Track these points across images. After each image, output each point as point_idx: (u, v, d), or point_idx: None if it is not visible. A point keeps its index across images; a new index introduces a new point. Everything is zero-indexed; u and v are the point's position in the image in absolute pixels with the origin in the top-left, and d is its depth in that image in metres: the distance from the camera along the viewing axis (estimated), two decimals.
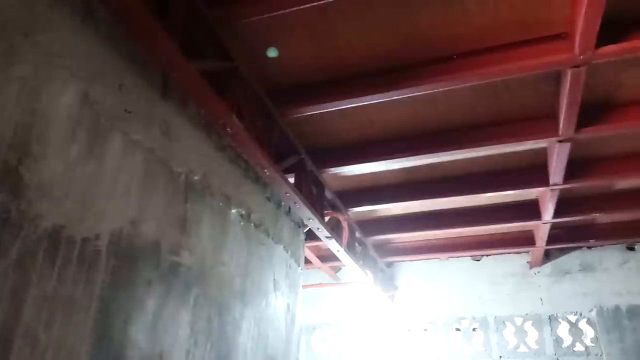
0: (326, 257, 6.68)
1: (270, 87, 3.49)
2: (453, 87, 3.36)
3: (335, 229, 4.97)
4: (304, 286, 7.15)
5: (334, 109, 3.51)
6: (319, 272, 7.47)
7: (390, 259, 6.84)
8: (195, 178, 2.81)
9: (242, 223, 3.32)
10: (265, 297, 3.56)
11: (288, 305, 3.98)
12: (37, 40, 1.90)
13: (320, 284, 7.27)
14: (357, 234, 5.68)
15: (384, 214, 5.75)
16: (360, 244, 5.89)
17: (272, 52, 2.67)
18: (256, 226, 3.54)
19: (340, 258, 5.02)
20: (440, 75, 3.21)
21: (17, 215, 1.72)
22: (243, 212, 3.35)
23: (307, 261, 6.72)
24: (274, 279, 3.76)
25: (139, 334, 2.23)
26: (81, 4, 2.12)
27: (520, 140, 3.85)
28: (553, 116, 3.78)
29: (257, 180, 3.60)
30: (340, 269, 7.61)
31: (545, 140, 3.85)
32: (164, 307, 2.43)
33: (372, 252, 6.22)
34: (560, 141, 3.79)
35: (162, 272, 2.44)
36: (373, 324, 7.12)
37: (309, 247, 6.12)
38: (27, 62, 1.85)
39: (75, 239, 1.95)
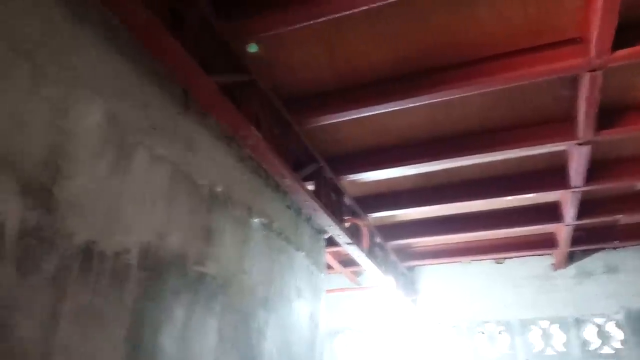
0: (347, 261, 6.72)
1: (286, 98, 3.56)
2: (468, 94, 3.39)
3: (355, 234, 5.01)
4: (327, 291, 7.24)
5: (349, 117, 3.56)
6: (341, 277, 7.52)
7: (411, 263, 6.86)
8: (218, 189, 2.90)
9: (263, 232, 3.40)
10: (288, 304, 3.63)
11: (311, 312, 4.04)
12: (62, 61, 1.98)
13: (342, 289, 7.32)
14: (377, 239, 5.72)
15: (403, 218, 5.78)
16: (380, 249, 5.92)
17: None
18: (277, 234, 3.61)
19: (361, 263, 5.06)
20: (455, 82, 3.24)
21: (52, 232, 1.81)
22: (264, 220, 3.42)
23: (329, 266, 6.78)
24: (297, 286, 3.83)
25: (169, 344, 2.31)
26: (103, 25, 2.21)
27: (539, 144, 3.85)
28: (571, 119, 3.77)
29: (277, 189, 3.67)
30: (361, 273, 7.64)
31: (564, 143, 3.84)
32: (192, 316, 2.51)
33: (392, 256, 6.25)
34: (579, 144, 3.78)
35: (189, 282, 2.53)
36: (395, 328, 7.13)
37: (329, 253, 6.18)
38: (54, 83, 1.93)
39: (107, 253, 2.04)
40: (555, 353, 6.17)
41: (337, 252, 6.51)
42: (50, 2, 1.96)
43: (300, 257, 3.97)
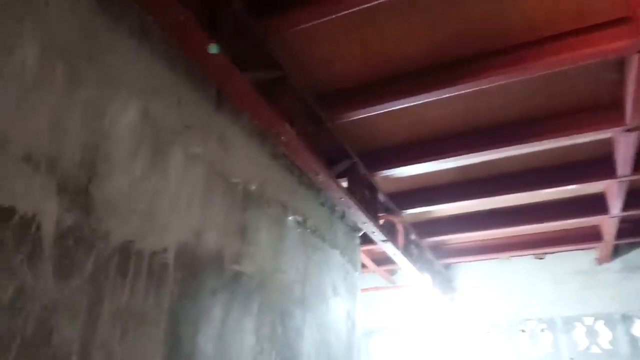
0: (381, 260, 6.62)
1: (318, 93, 3.49)
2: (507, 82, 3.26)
3: (390, 232, 4.91)
4: (361, 290, 7.14)
5: (384, 110, 3.47)
6: (375, 276, 7.41)
7: (447, 260, 6.70)
8: (252, 187, 2.85)
9: (298, 229, 3.34)
10: (325, 302, 3.56)
11: (348, 311, 3.97)
12: (98, 62, 1.97)
13: (376, 288, 7.21)
14: (413, 236, 5.59)
15: (439, 214, 5.64)
16: (416, 246, 5.79)
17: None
18: (312, 232, 3.55)
19: (397, 261, 4.95)
20: (494, 70, 3.11)
21: (89, 232, 1.79)
22: (299, 218, 3.36)
23: (362, 265, 6.68)
24: (333, 285, 3.76)
25: (207, 344, 2.27)
26: (138, 25, 2.20)
27: (583, 132, 3.67)
28: (616, 105, 3.57)
29: (311, 186, 3.61)
30: (396, 271, 7.52)
31: (610, 130, 3.65)
32: (229, 316, 2.47)
33: (428, 254, 6.11)
34: (627, 130, 3.58)
35: (226, 281, 2.48)
36: (433, 327, 6.99)
37: (363, 251, 6.08)
38: (90, 84, 1.92)
39: (144, 253, 2.01)
40: (601, 351, 5.92)
41: (370, 250, 6.41)
42: (86, 3, 1.94)
43: (335, 255, 3.90)
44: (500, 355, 6.38)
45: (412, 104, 3.40)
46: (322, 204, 3.79)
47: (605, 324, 6.00)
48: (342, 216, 4.16)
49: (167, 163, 2.25)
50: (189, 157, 2.39)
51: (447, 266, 7.07)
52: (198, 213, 2.38)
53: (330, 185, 3.47)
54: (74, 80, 1.86)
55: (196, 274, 2.29)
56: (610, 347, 5.88)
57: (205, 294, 2.32)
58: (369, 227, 4.17)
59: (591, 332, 6.03)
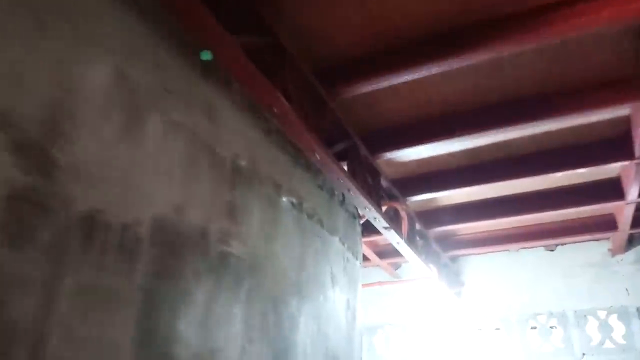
0: (384, 253, 6.39)
1: (318, 67, 3.26)
2: (519, 51, 3.02)
3: (393, 220, 4.67)
4: (364, 285, 6.90)
5: (387, 84, 3.23)
6: (379, 271, 7.17)
7: (454, 253, 6.44)
8: (242, 163, 2.62)
9: (294, 212, 3.11)
10: (322, 291, 3.33)
11: (348, 301, 3.73)
12: (68, 14, 1.76)
13: (380, 282, 6.98)
14: (418, 226, 5.35)
15: (446, 202, 5.39)
16: (421, 237, 5.54)
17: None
18: (309, 216, 3.32)
19: (400, 251, 4.71)
20: (506, 37, 2.87)
21: (48, 197, 1.57)
22: (294, 200, 3.13)
23: (365, 258, 6.44)
24: (332, 273, 3.52)
25: (188, 330, 2.05)
26: None
27: (600, 107, 3.42)
28: (637, 77, 3.33)
29: (308, 167, 3.38)
30: (400, 265, 7.28)
31: (629, 105, 3.40)
32: (215, 300, 2.24)
33: (434, 245, 5.86)
34: None
35: (211, 262, 2.26)
36: (439, 322, 6.73)
37: (365, 243, 5.84)
38: (58, 37, 1.71)
39: (113, 224, 1.79)
40: (615, 346, 5.65)
41: (373, 241, 6.18)
42: None
43: (334, 242, 3.67)
44: (509, 352, 6.12)
45: (416, 76, 3.17)
46: (320, 187, 3.56)
47: (619, 317, 5.74)
48: (342, 201, 3.93)
49: (144, 129, 2.02)
50: (169, 125, 2.16)
51: (454, 259, 6.81)
52: (180, 186, 2.16)
53: (328, 165, 3.23)
54: (40, 31, 1.65)
55: (176, 251, 2.06)
56: (625, 342, 5.61)
57: (187, 274, 2.09)
58: (370, 212, 3.93)
59: (604, 327, 5.77)
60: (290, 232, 3.04)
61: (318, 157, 3.12)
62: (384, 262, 6.67)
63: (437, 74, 3.20)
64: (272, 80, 2.69)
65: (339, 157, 3.62)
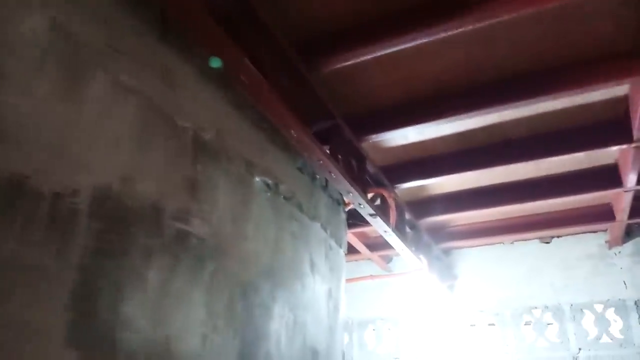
0: (375, 245, 6.18)
1: (296, 38, 3.03)
2: (514, 20, 2.80)
3: (381, 208, 4.46)
4: (354, 279, 6.70)
5: (372, 56, 3.01)
6: (370, 264, 6.97)
7: (447, 245, 6.23)
8: (206, 136, 2.41)
9: (268, 194, 2.89)
10: (300, 279, 3.12)
11: (329, 290, 3.52)
12: None
13: (372, 276, 6.76)
14: (408, 216, 5.13)
15: (437, 191, 5.17)
16: (411, 228, 5.33)
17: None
18: (286, 199, 3.10)
19: (388, 240, 4.50)
20: (498, 1, 2.66)
21: None
22: (269, 181, 2.92)
23: (355, 251, 6.25)
24: (311, 260, 3.31)
25: (136, 314, 1.83)
26: None
27: (597, 83, 3.21)
28: (637, 52, 3.12)
29: (286, 148, 3.16)
30: (391, 258, 7.08)
31: (628, 80, 3.19)
32: (171, 282, 2.03)
33: (425, 237, 5.65)
34: None
35: (166, 241, 2.04)
36: (432, 317, 6.53)
37: (354, 234, 5.65)
38: None
39: (44, 193, 1.57)
40: (612, 340, 5.45)
41: (362, 233, 5.98)
42: None
43: (315, 228, 3.45)
44: (503, 347, 5.92)
45: (403, 46, 2.94)
46: (300, 170, 3.35)
47: (616, 311, 5.53)
48: (325, 186, 3.72)
49: (87, 90, 1.81)
50: (119, 87, 1.95)
51: (447, 252, 6.60)
52: (129, 155, 1.94)
53: (306, 144, 3.01)
54: None
55: (123, 227, 1.85)
56: (622, 337, 5.41)
57: (135, 252, 1.88)
58: (355, 198, 3.71)
59: (601, 321, 5.57)
60: (264, 215, 2.82)
61: (294, 135, 2.90)
62: (375, 255, 6.46)
63: (425, 46, 2.99)
64: (242, 47, 2.48)
65: (321, 139, 3.40)
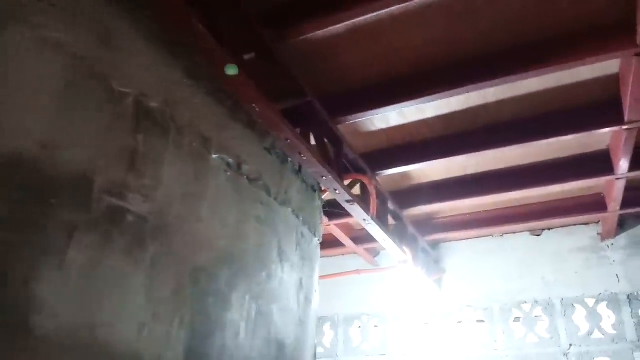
0: (360, 238, 5.96)
1: (261, 9, 2.82)
2: None
3: (361, 196, 4.25)
4: (340, 274, 6.48)
5: (342, 24, 2.79)
6: (356, 258, 6.75)
7: (434, 237, 6.00)
8: (152, 105, 2.18)
9: (228, 173, 2.67)
10: (265, 267, 2.90)
11: (300, 280, 3.30)
12: None
13: (357, 271, 6.55)
14: (391, 206, 4.92)
15: (422, 180, 4.95)
16: (395, 218, 5.12)
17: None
18: (251, 180, 2.88)
19: (368, 230, 4.28)
20: None
21: None
22: (230, 160, 2.69)
23: (340, 244, 6.03)
24: (279, 247, 3.09)
25: (53, 297, 1.61)
26: None
27: (585, 58, 2.99)
28: (627, 25, 2.90)
29: (252, 126, 2.94)
30: (378, 252, 6.86)
31: (617, 55, 2.97)
32: (100, 263, 1.80)
33: (411, 228, 5.43)
34: (638, 54, 2.91)
35: (95, 217, 1.82)
36: (419, 313, 6.31)
37: (338, 226, 5.43)
38: None
39: None
40: (604, 336, 5.24)
41: (347, 225, 5.76)
42: None
43: (285, 214, 3.23)
44: (492, 342, 5.71)
45: (377, 13, 2.73)
46: (268, 150, 3.12)
47: (608, 306, 5.32)
48: (299, 170, 3.50)
49: (1, 39, 1.59)
50: (41, 42, 1.72)
51: (435, 245, 6.39)
52: (52, 119, 1.72)
53: (271, 120, 2.79)
54: None
55: (39, 198, 1.62)
56: (615, 332, 5.21)
57: (55, 227, 1.65)
58: (329, 182, 3.50)
59: (593, 315, 5.35)
60: (223, 195, 2.60)
61: (257, 110, 2.68)
62: (360, 248, 6.24)
63: (401, 17, 2.79)
64: (199, 14, 2.27)
65: (293, 118, 3.18)
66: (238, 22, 2.69)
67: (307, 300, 3.36)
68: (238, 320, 2.57)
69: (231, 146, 2.72)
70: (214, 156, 2.57)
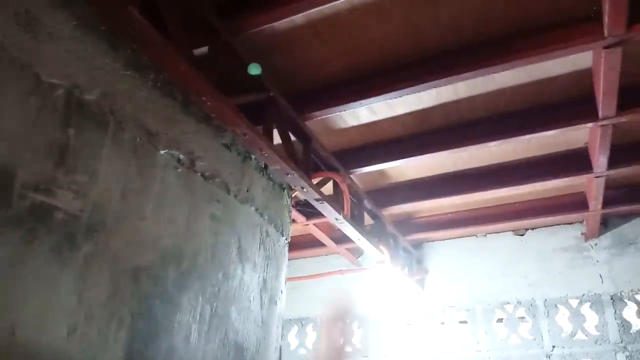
0: (342, 238, 5.83)
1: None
2: None
3: (334, 199, 4.15)
4: (322, 274, 6.38)
5: (301, 14, 2.70)
6: (339, 259, 6.65)
7: (415, 237, 5.90)
8: (88, 97, 2.08)
9: (179, 170, 2.57)
10: (222, 267, 2.79)
11: (264, 281, 3.20)
12: None
13: (340, 271, 6.45)
14: (368, 205, 4.82)
15: (399, 178, 4.86)
16: (373, 218, 5.02)
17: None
18: (206, 178, 2.78)
19: (342, 229, 4.19)
20: None
21: None
22: (181, 156, 2.59)
23: (321, 244, 5.93)
24: (239, 247, 2.99)
25: None
26: None
27: (554, 51, 2.90)
28: (596, 17, 2.82)
29: (207, 120, 2.83)
30: (362, 252, 6.74)
31: (587, 47, 2.88)
32: (22, 262, 1.70)
33: (390, 228, 5.33)
34: (606, 47, 2.82)
35: (17, 214, 1.71)
36: (402, 314, 6.21)
37: (317, 225, 5.32)
38: None
39: None
40: (587, 337, 5.14)
41: (327, 224, 5.64)
42: None
43: (246, 212, 3.13)
44: (474, 344, 5.61)
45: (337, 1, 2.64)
46: (227, 146, 3.02)
47: (592, 306, 5.23)
48: (263, 168, 3.39)
49: None
50: None
51: (418, 245, 6.29)
52: None
53: (224, 114, 2.70)
54: None
55: None
56: (598, 333, 5.11)
57: None
58: (295, 180, 3.40)
59: (576, 316, 5.26)
60: (171, 193, 2.50)
61: (208, 104, 2.58)
62: (342, 248, 6.13)
63: (361, 8, 2.70)
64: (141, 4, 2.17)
65: (254, 115, 3.09)
66: (186, 12, 2.59)
67: (272, 301, 3.26)
68: (189, 322, 2.47)
69: (181, 141, 2.62)
70: (162, 152, 2.47)
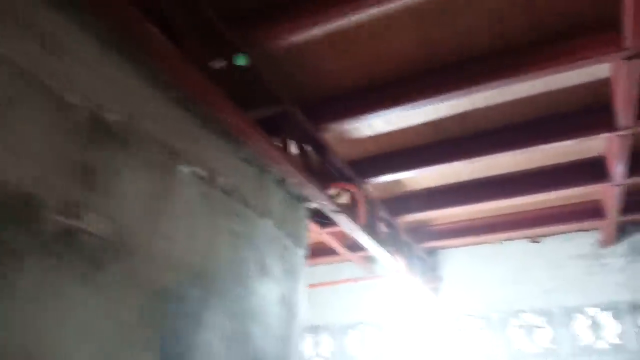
0: (355, 246, 5.82)
1: (229, 13, 2.73)
2: None
3: (350, 208, 4.14)
4: (336, 282, 6.38)
5: (319, 27, 2.69)
6: (352, 266, 6.64)
7: (430, 245, 5.88)
8: (112, 118, 2.09)
9: (201, 187, 2.58)
10: (244, 283, 2.80)
11: (283, 295, 3.19)
12: None
13: (355, 279, 6.47)
14: (383, 214, 4.81)
15: (414, 187, 4.84)
16: (388, 227, 5.01)
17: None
18: (226, 193, 2.79)
19: (358, 239, 4.19)
20: None
21: None
22: (202, 172, 2.60)
23: (334, 252, 5.94)
24: (260, 262, 2.99)
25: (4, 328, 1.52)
26: None
27: (574, 62, 2.88)
28: (614, 26, 2.79)
29: (227, 136, 2.84)
30: (376, 260, 6.73)
31: (606, 58, 2.85)
32: (54, 288, 1.71)
33: (404, 236, 5.32)
34: (627, 58, 2.79)
35: (46, 239, 1.73)
36: (416, 321, 6.19)
37: (330, 234, 5.32)
38: None
39: None
40: (608, 346, 5.08)
41: (340, 233, 5.63)
42: None
43: (265, 226, 3.13)
44: (490, 353, 5.57)
45: (349, 19, 2.64)
46: (246, 161, 3.03)
47: (609, 314, 5.17)
48: (280, 181, 3.39)
49: None
50: None
51: (431, 253, 6.26)
52: None
53: (242, 130, 2.70)
54: None
55: None
56: (619, 342, 5.05)
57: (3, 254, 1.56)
58: (313, 192, 3.40)
59: (595, 325, 5.20)
60: (194, 210, 2.50)
61: (228, 120, 2.59)
62: (355, 256, 6.13)
63: (380, 21, 2.70)
64: (159, 23, 2.19)
65: (272, 128, 3.10)
66: (202, 27, 2.60)
67: (291, 314, 3.26)
68: (213, 340, 2.47)
69: (203, 158, 2.63)
70: (184, 169, 2.48)
